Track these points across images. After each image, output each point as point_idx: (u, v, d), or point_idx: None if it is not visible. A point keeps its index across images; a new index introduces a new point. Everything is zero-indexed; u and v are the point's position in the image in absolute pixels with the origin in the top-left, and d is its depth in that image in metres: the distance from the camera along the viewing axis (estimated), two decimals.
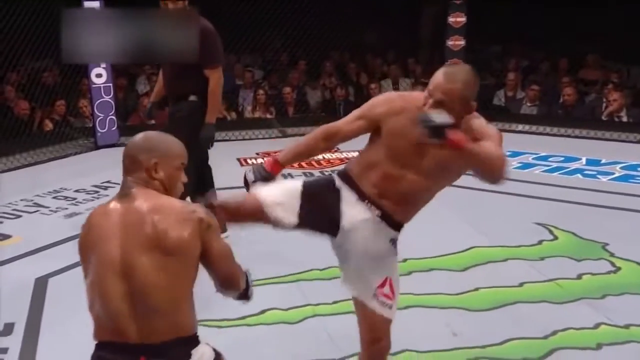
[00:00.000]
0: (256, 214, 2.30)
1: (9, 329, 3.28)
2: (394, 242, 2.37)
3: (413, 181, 2.25)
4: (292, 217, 2.28)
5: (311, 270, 3.93)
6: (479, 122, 2.22)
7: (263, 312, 3.43)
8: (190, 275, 1.82)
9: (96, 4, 6.77)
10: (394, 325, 3.24)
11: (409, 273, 3.86)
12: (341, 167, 6.43)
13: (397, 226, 2.34)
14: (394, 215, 2.30)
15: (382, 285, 2.33)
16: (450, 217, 4.80)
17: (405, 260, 4.00)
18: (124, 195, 1.83)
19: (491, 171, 2.14)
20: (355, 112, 2.33)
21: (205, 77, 4.12)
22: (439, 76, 2.15)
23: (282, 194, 2.30)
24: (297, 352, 3.03)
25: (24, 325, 3.31)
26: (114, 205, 1.84)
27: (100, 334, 1.80)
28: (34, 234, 4.55)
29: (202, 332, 3.05)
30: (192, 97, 4.17)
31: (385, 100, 2.30)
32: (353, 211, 2.29)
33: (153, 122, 6.37)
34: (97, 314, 1.80)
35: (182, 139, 4.35)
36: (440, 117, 2.06)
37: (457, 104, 2.12)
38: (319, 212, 2.30)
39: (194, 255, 1.80)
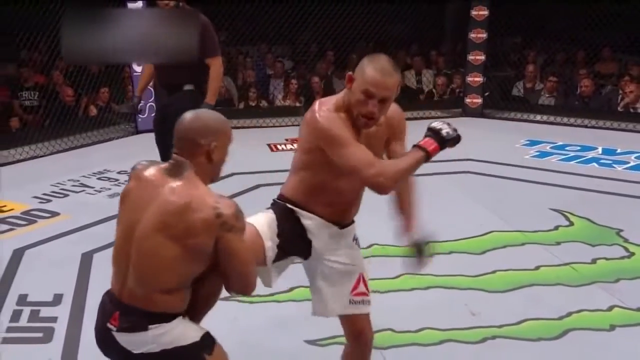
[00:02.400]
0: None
1: (58, 299, 3.35)
2: (355, 239, 2.35)
3: (354, 186, 2.19)
4: (273, 245, 2.19)
5: None
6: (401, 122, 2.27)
7: (292, 289, 3.44)
8: (191, 268, 1.81)
9: (139, 5, 6.83)
10: (416, 304, 3.28)
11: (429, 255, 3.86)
12: None
13: (352, 223, 2.33)
14: (349, 219, 2.30)
15: (357, 285, 2.26)
16: (470, 203, 4.78)
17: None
18: (174, 173, 1.82)
19: None
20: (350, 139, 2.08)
21: (199, 67, 4.06)
22: (375, 74, 2.00)
23: (263, 224, 2.20)
24: (324, 328, 3.04)
25: (71, 296, 3.38)
26: (161, 176, 1.83)
27: (111, 279, 1.90)
28: (80, 212, 4.62)
29: (235, 307, 3.12)
30: (188, 87, 4.11)
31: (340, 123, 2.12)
32: (316, 230, 2.22)
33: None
34: (112, 262, 1.90)
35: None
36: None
37: (395, 93, 2.07)
38: (292, 238, 2.22)
39: (202, 252, 1.79)
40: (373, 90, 2.00)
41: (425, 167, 6.43)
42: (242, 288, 1.88)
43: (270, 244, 2.15)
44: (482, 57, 7.83)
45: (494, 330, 3.01)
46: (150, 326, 1.77)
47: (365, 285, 2.29)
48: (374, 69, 2.01)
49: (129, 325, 1.78)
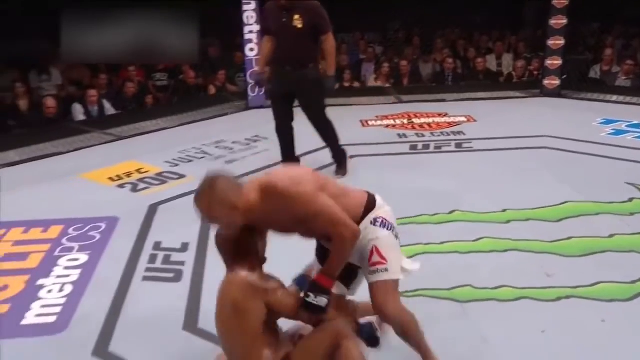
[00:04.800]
0: None
1: (185, 247, 3.50)
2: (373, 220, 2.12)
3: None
4: None
5: (421, 215, 3.88)
6: (307, 207, 1.96)
7: None
8: None
9: (252, 5, 6.94)
10: (495, 265, 3.19)
11: (508, 222, 3.73)
12: (447, 130, 6.24)
13: None
14: None
15: (370, 257, 2.09)
16: (547, 176, 4.57)
17: (504, 210, 3.88)
18: None
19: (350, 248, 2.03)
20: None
21: (316, 45, 4.25)
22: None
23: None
24: (410, 282, 3.01)
25: (196, 244, 3.51)
26: None
27: None
28: (202, 175, 4.74)
29: None
30: (311, 63, 4.28)
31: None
32: None
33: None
34: None
35: (319, 96, 4.61)
36: (321, 299, 1.98)
37: (219, 214, 1.96)
38: None
39: None
40: None
41: (505, 143, 6.18)
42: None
43: None
44: (562, 42, 7.36)
45: (569, 290, 2.89)
46: None
47: (380, 255, 2.09)
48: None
49: None
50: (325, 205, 1.97)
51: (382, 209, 2.16)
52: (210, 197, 1.96)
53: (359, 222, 2.07)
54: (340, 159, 4.68)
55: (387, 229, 2.13)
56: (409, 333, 2.18)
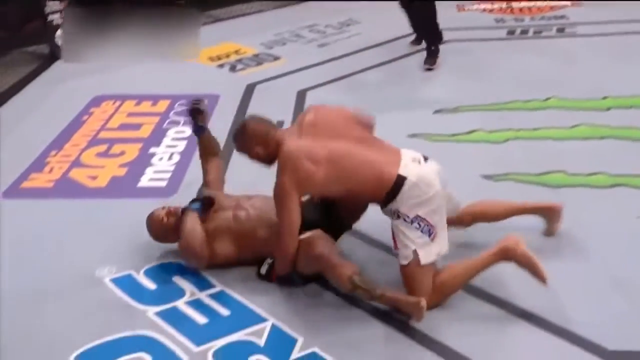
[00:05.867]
0: None
1: (280, 124, 3.43)
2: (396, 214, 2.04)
3: None
4: None
5: (514, 101, 3.65)
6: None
7: (470, 132, 3.29)
8: None
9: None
10: (590, 151, 2.99)
11: (608, 109, 3.44)
12: (549, 14, 5.67)
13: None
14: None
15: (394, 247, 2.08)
16: None
17: (605, 97, 3.57)
18: None
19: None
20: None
21: None
22: None
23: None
24: (499, 166, 2.91)
25: (290, 121, 3.47)
26: None
27: None
28: (295, 57, 4.68)
29: (420, 145, 3.04)
30: None
31: None
32: None
33: None
34: None
35: None
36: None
37: (252, 146, 2.17)
38: None
39: None
40: None
41: (613, 27, 5.55)
42: None
43: None
44: None
45: None
46: None
47: (395, 243, 2.10)
48: None
49: None
50: (286, 211, 2.06)
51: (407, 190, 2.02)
52: (242, 133, 2.21)
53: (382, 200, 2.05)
54: (432, 51, 4.34)
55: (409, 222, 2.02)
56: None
